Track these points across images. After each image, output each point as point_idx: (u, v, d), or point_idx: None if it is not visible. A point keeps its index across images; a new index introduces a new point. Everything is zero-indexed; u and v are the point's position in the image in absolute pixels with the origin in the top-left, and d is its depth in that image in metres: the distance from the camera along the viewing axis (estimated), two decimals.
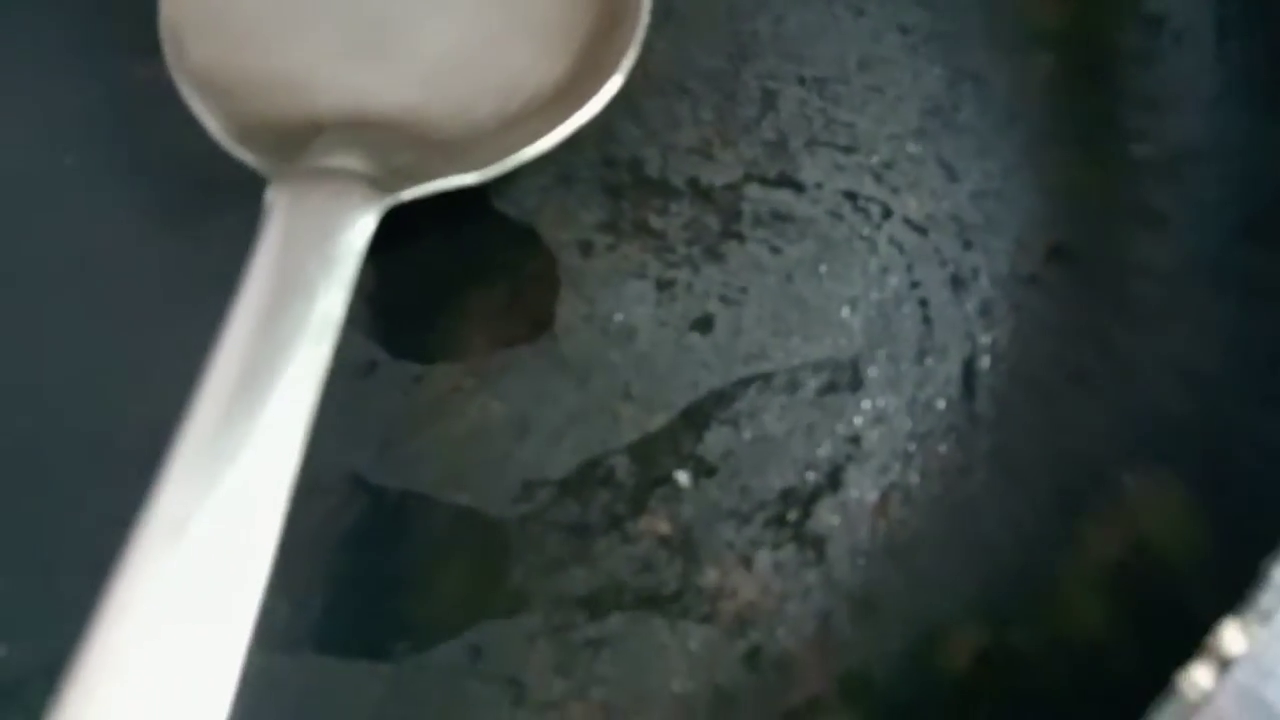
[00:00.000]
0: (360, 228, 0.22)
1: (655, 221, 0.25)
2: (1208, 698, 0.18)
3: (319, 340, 0.20)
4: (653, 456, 0.24)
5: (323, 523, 0.23)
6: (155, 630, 0.17)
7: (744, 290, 0.25)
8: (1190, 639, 0.19)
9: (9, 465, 0.23)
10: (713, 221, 0.25)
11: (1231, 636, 0.19)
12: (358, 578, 0.23)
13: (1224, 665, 0.19)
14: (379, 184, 0.23)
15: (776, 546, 0.23)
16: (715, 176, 0.26)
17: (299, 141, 0.24)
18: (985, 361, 0.24)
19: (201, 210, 0.25)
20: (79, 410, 0.24)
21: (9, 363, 0.24)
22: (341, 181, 0.22)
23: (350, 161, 0.23)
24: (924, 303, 0.25)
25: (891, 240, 0.25)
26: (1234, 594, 0.19)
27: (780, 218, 0.25)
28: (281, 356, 0.20)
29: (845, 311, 0.24)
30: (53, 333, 0.24)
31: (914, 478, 0.23)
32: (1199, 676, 0.18)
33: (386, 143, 0.24)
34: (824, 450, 0.23)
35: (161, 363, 0.24)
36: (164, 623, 0.17)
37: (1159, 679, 0.19)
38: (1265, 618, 0.19)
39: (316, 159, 0.23)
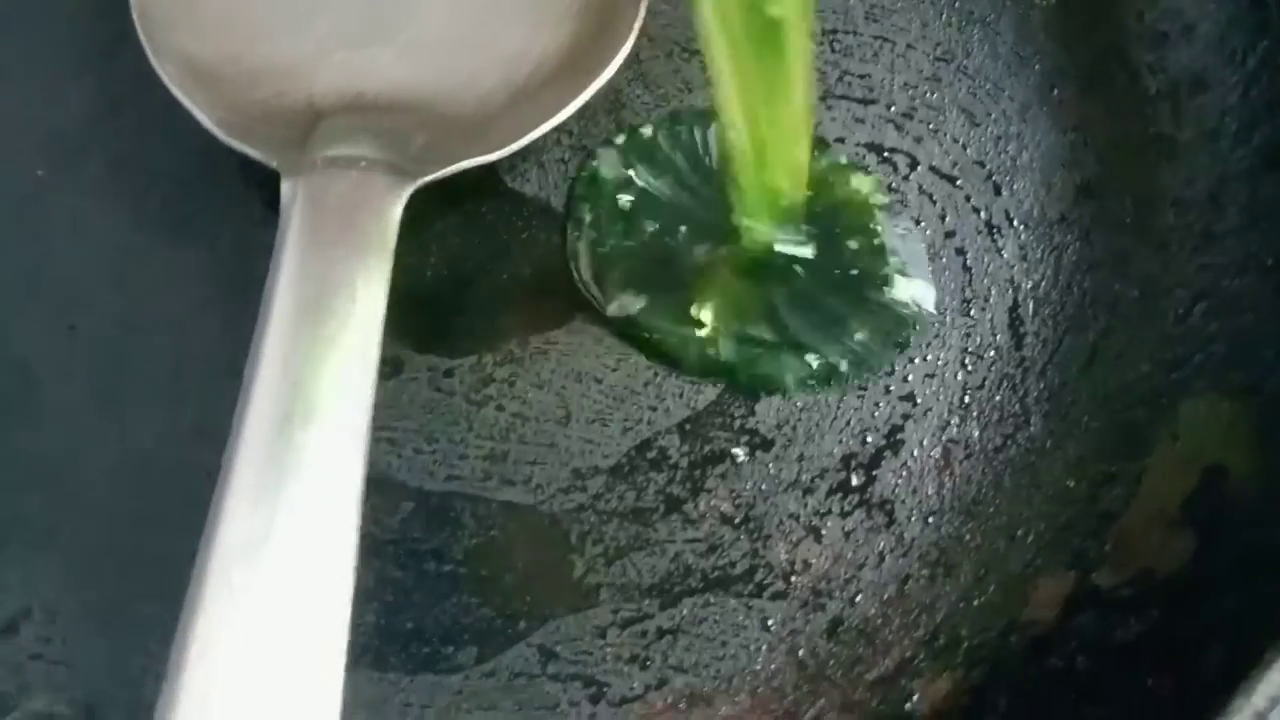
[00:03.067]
0: (389, 216, 0.20)
1: None
2: None
3: (367, 342, 0.19)
4: (705, 433, 0.23)
5: (366, 533, 0.22)
6: (243, 661, 0.15)
7: None
8: None
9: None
10: None
11: None
12: (410, 587, 0.21)
13: None
14: (396, 169, 0.21)
15: (844, 514, 0.22)
16: None
17: (300, 130, 0.22)
18: (1029, 306, 0.24)
19: (202, 207, 0.23)
20: (112, 420, 0.22)
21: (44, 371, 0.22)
22: (360, 170, 0.21)
23: (362, 148, 0.21)
24: (961, 251, 0.24)
25: (921, 190, 0.25)
26: None
27: None
28: (328, 363, 0.18)
29: None
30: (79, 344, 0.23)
31: (973, 430, 0.23)
32: None
33: (395, 126, 0.22)
34: (880, 411, 0.23)
35: (191, 371, 0.22)
36: (251, 653, 0.16)
37: (1257, 611, 0.18)
38: None
39: (326, 148, 0.21)
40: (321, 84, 0.23)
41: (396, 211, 0.20)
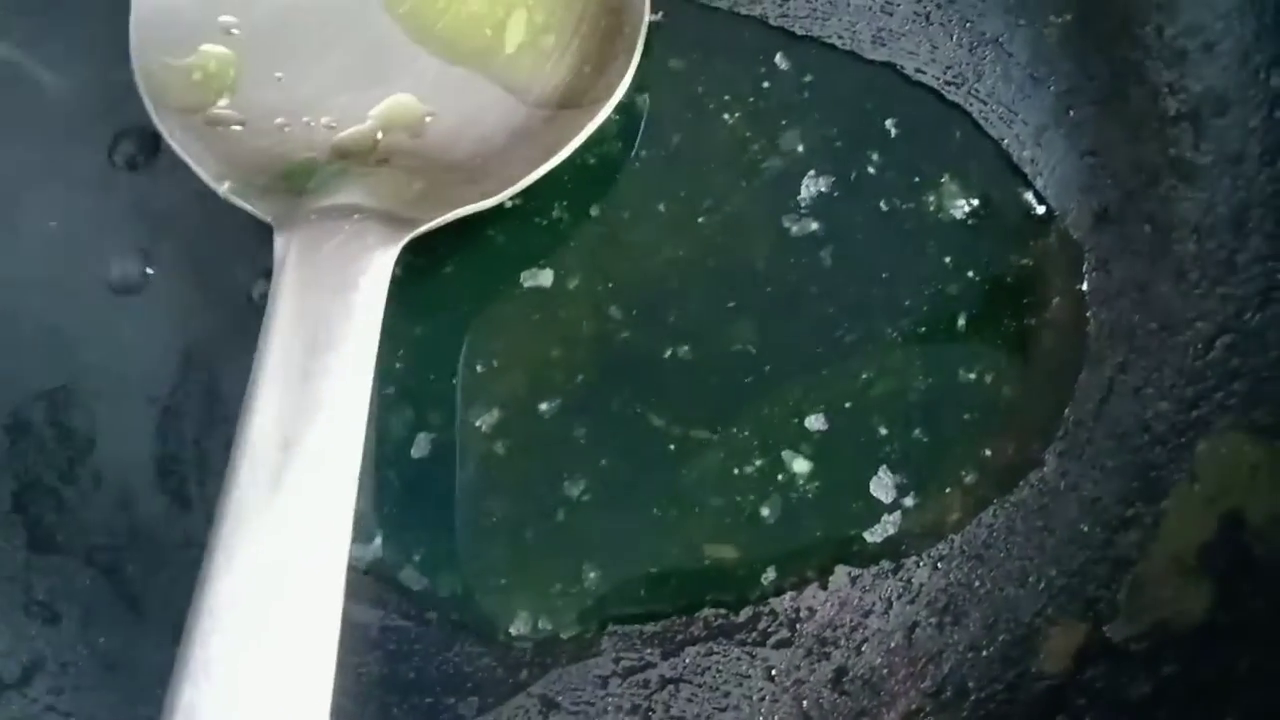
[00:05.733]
0: (380, 269, 0.20)
1: None
2: None
3: (355, 395, 0.19)
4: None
5: (369, 584, 0.22)
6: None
7: None
8: None
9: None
10: None
11: None
12: (412, 637, 0.22)
13: None
14: (392, 218, 0.21)
15: (850, 560, 0.22)
16: None
17: (298, 180, 0.22)
18: (1045, 337, 0.23)
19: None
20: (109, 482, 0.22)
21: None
22: (354, 223, 0.21)
23: (357, 198, 0.21)
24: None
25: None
26: None
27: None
28: (319, 416, 0.18)
29: (894, 334, 0.23)
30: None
31: (984, 471, 0.22)
32: None
33: (394, 171, 0.22)
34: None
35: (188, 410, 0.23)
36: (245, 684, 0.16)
37: (1276, 665, 0.18)
38: None
39: (322, 198, 0.21)
40: (321, 130, 0.23)
41: (388, 265, 0.20)
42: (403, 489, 0.22)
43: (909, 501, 0.22)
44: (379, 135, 0.23)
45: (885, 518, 0.22)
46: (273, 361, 0.19)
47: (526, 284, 0.23)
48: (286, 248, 0.20)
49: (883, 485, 0.22)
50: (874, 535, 0.22)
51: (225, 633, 0.17)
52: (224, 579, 0.17)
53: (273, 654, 0.17)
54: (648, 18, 0.24)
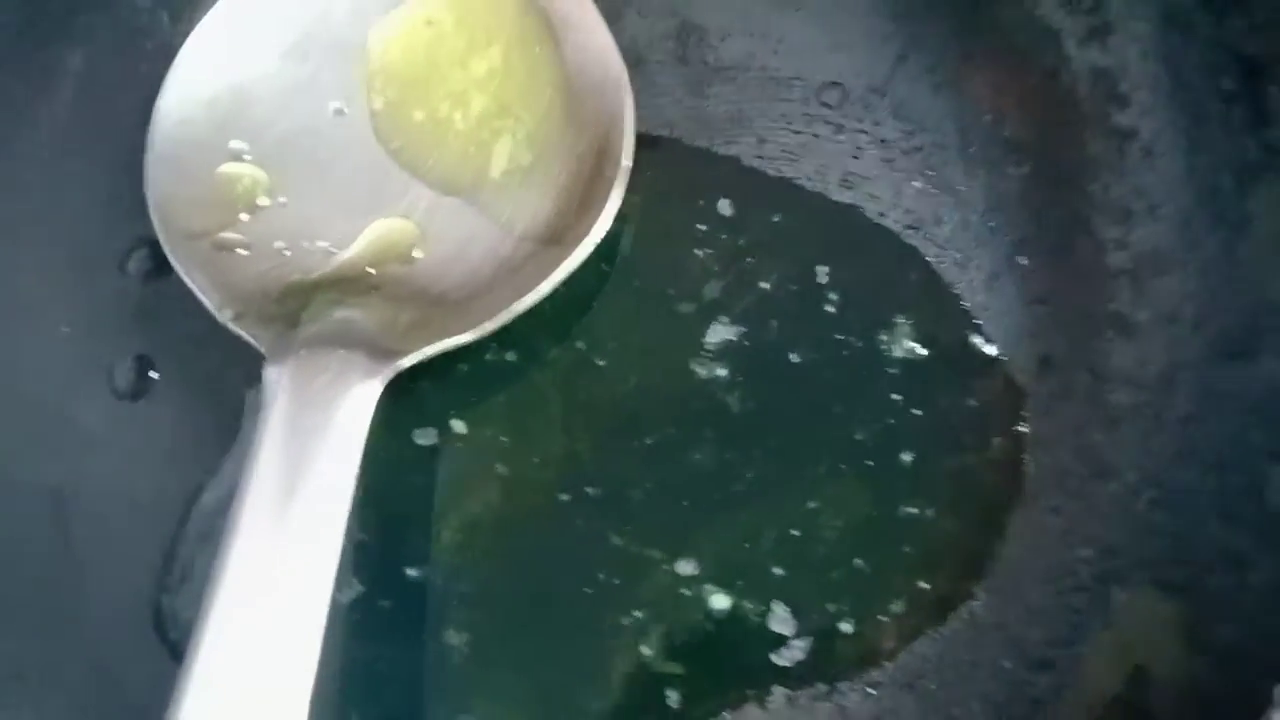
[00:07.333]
0: (365, 400, 0.22)
1: None
2: None
3: (331, 520, 0.20)
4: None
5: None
6: None
7: None
8: None
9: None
10: None
11: None
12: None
13: None
14: (379, 350, 0.23)
15: (789, 682, 0.23)
16: None
17: (294, 306, 0.24)
18: (983, 474, 0.25)
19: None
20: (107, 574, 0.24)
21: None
22: (340, 357, 0.22)
23: (348, 327, 0.23)
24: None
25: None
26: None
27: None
28: (297, 540, 0.20)
29: (845, 466, 0.25)
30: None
31: (919, 602, 0.24)
32: None
33: (384, 302, 0.24)
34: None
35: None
36: None
37: None
38: None
39: (314, 326, 0.23)
40: (318, 254, 0.25)
41: (373, 396, 0.22)
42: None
43: (846, 628, 0.24)
44: (370, 265, 0.25)
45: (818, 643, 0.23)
46: (257, 483, 0.20)
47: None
48: (278, 379, 0.22)
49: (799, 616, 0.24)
50: (812, 658, 0.24)
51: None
52: (198, 683, 0.19)
53: None
54: (628, 163, 0.25)
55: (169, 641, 0.24)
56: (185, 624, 0.24)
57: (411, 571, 0.24)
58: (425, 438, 0.25)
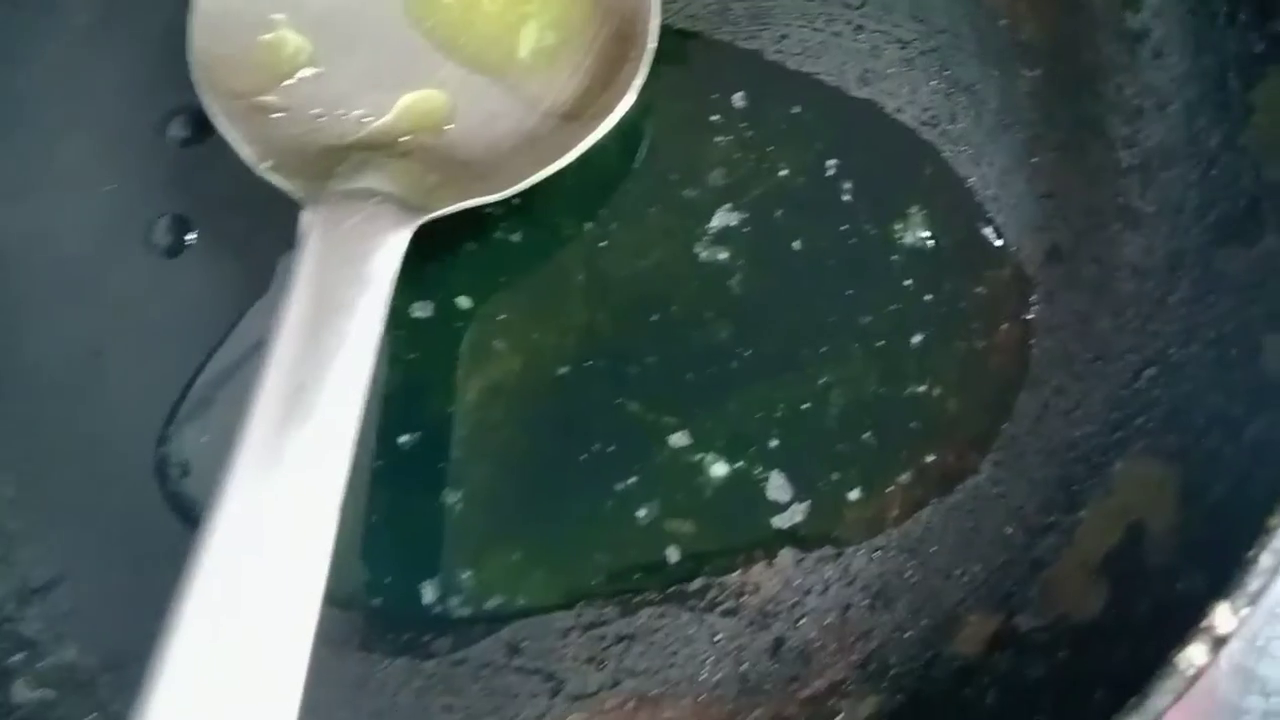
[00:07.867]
0: (393, 247, 0.23)
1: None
2: (1202, 673, 0.20)
3: (362, 355, 0.21)
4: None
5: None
6: (229, 624, 0.18)
7: None
8: (1183, 619, 0.20)
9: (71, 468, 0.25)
10: None
11: (1223, 617, 0.20)
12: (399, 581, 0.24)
13: (1217, 644, 0.20)
14: (407, 204, 0.24)
15: (798, 542, 0.24)
16: None
17: (328, 164, 0.25)
18: (994, 360, 0.25)
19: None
20: (136, 421, 0.25)
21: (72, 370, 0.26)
22: (372, 204, 0.23)
23: (379, 184, 0.24)
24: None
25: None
26: (1222, 575, 0.20)
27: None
28: (327, 370, 0.21)
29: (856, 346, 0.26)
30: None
31: (925, 475, 0.25)
32: (1194, 655, 0.20)
33: (412, 164, 0.25)
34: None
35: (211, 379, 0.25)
36: (236, 620, 0.18)
37: (1155, 657, 0.20)
38: (1253, 598, 0.20)
39: (346, 182, 0.24)
40: (353, 122, 0.26)
41: (401, 244, 0.23)
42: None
43: (854, 496, 0.24)
44: (403, 134, 0.25)
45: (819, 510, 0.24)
46: (291, 318, 0.21)
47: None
48: (311, 222, 0.23)
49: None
50: (813, 523, 0.24)
51: (221, 573, 0.19)
52: (231, 503, 0.19)
53: (260, 602, 0.19)
54: (653, 45, 0.26)
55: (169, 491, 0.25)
56: (191, 469, 0.25)
57: (405, 438, 0.25)
58: (423, 310, 0.26)
